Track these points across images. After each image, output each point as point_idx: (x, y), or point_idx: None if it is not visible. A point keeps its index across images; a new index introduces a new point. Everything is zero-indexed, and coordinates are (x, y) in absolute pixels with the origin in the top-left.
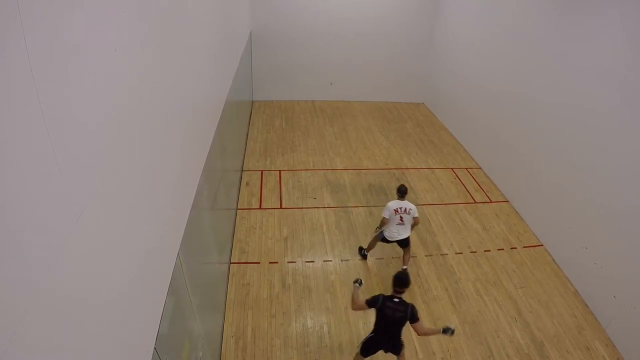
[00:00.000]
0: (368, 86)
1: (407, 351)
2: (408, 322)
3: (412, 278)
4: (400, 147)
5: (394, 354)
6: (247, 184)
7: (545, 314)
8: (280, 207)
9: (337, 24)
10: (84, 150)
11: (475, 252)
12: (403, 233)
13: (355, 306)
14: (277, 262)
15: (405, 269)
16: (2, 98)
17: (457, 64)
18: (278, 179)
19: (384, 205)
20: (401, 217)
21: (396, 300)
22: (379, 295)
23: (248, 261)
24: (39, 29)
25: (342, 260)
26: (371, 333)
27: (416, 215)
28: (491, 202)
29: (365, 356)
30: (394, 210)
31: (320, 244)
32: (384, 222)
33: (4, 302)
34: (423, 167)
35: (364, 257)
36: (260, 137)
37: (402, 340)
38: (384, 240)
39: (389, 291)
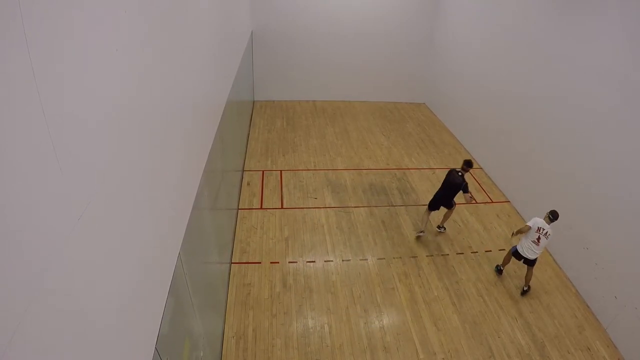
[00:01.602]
0: (368, 86)
1: (408, 352)
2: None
3: (412, 278)
4: (401, 147)
5: (447, 207)
6: (248, 184)
7: (546, 314)
8: (281, 207)
9: (337, 24)
10: (84, 150)
11: (476, 252)
12: (533, 253)
13: None
14: (278, 262)
15: (526, 289)
16: (3, 97)
17: (458, 64)
18: (279, 179)
19: (385, 205)
20: (539, 238)
21: (460, 173)
22: (452, 168)
23: (249, 261)
24: (39, 29)
25: (343, 261)
26: (435, 194)
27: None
28: (492, 202)
29: (431, 211)
30: (538, 227)
31: (321, 244)
32: (523, 230)
33: (4, 302)
34: (424, 167)
35: (500, 272)
36: (261, 137)
37: (454, 201)
38: (516, 254)
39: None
